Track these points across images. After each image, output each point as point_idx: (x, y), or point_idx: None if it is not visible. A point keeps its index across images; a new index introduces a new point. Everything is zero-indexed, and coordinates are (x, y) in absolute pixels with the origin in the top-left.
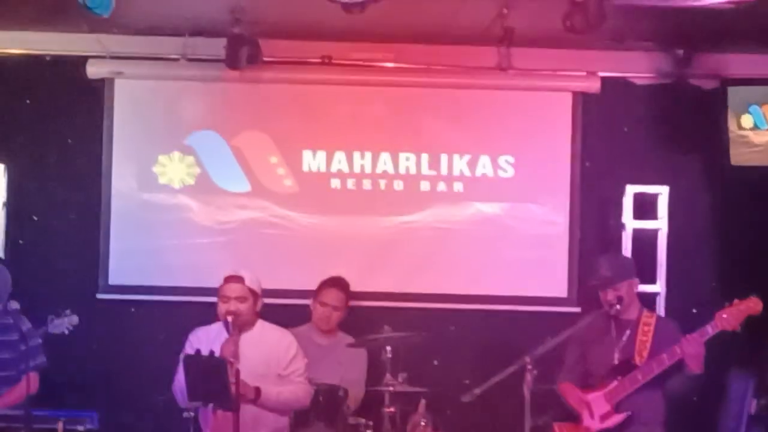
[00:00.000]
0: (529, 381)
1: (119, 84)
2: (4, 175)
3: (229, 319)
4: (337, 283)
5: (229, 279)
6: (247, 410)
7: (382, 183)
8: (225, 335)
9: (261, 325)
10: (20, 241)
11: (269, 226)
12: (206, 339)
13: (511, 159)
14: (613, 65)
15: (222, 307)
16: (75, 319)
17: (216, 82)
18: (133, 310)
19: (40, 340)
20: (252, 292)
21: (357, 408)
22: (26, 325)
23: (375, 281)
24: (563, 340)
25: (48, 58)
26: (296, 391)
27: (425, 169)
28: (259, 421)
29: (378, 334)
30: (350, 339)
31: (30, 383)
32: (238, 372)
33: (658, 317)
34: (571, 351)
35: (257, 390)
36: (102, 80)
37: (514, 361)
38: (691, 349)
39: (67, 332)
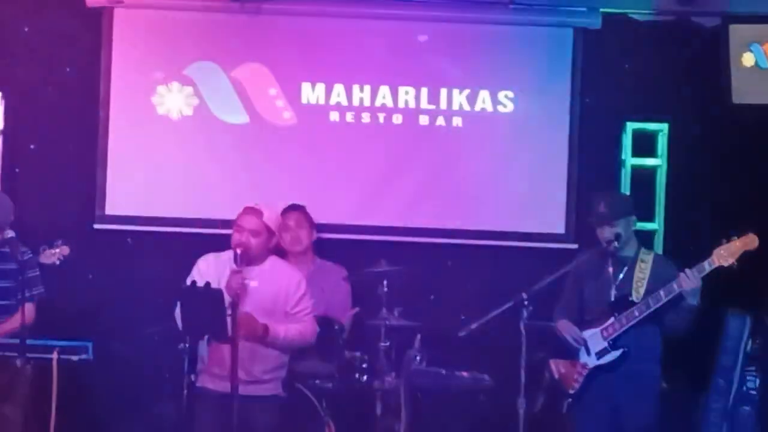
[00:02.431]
0: (526, 317)
1: (118, 13)
2: (1, 103)
3: (239, 250)
4: (293, 206)
5: (247, 210)
6: (246, 345)
7: (381, 116)
8: (233, 264)
9: (272, 261)
10: (16, 170)
11: (266, 159)
12: (215, 265)
13: (510, 94)
14: (614, 1)
15: (235, 237)
16: (66, 249)
17: (216, 12)
18: (129, 240)
19: (38, 271)
20: (267, 228)
21: (348, 334)
22: (26, 254)
23: (372, 215)
24: (560, 277)
25: None
26: (303, 329)
27: (424, 104)
28: (257, 356)
29: (374, 268)
30: (331, 265)
31: (26, 313)
32: (236, 305)
33: (656, 255)
34: (567, 287)
35: (265, 327)
36: (101, 9)
37: (511, 297)
38: (689, 284)
39: (57, 263)
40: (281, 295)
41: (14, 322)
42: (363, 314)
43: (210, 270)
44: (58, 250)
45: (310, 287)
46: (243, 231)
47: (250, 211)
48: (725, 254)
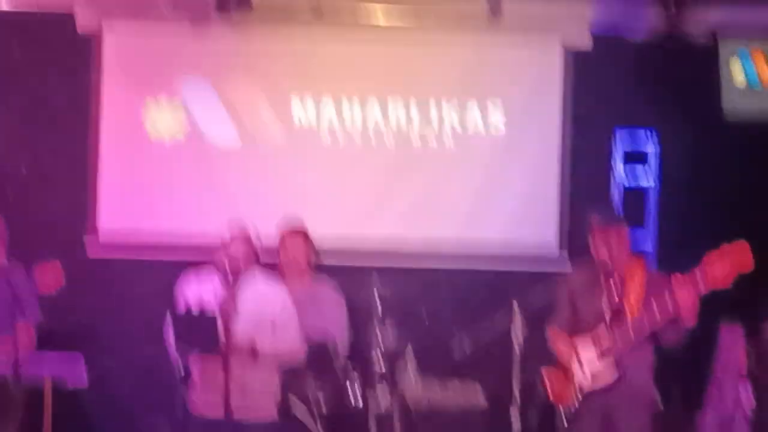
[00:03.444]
0: (519, 331)
1: (108, 32)
2: None
3: (229, 270)
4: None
5: (233, 232)
6: (238, 369)
7: (373, 136)
8: (217, 282)
9: (255, 275)
10: (8, 194)
11: (257, 178)
12: (197, 284)
13: (500, 108)
14: (605, 20)
15: (223, 259)
16: (61, 279)
17: (206, 30)
18: (123, 266)
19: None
20: (254, 249)
21: (346, 353)
22: (20, 276)
23: (365, 235)
24: (554, 293)
25: (37, 13)
26: (290, 344)
27: (415, 123)
28: (249, 380)
29: (368, 288)
30: (326, 280)
31: (25, 337)
32: (228, 327)
33: (648, 265)
34: (561, 304)
35: (253, 348)
36: (91, 33)
37: (504, 309)
38: (686, 300)
39: (54, 292)
40: (267, 310)
41: (11, 345)
42: (357, 334)
43: (194, 291)
44: (52, 271)
45: (305, 305)
46: (232, 258)
47: (236, 232)
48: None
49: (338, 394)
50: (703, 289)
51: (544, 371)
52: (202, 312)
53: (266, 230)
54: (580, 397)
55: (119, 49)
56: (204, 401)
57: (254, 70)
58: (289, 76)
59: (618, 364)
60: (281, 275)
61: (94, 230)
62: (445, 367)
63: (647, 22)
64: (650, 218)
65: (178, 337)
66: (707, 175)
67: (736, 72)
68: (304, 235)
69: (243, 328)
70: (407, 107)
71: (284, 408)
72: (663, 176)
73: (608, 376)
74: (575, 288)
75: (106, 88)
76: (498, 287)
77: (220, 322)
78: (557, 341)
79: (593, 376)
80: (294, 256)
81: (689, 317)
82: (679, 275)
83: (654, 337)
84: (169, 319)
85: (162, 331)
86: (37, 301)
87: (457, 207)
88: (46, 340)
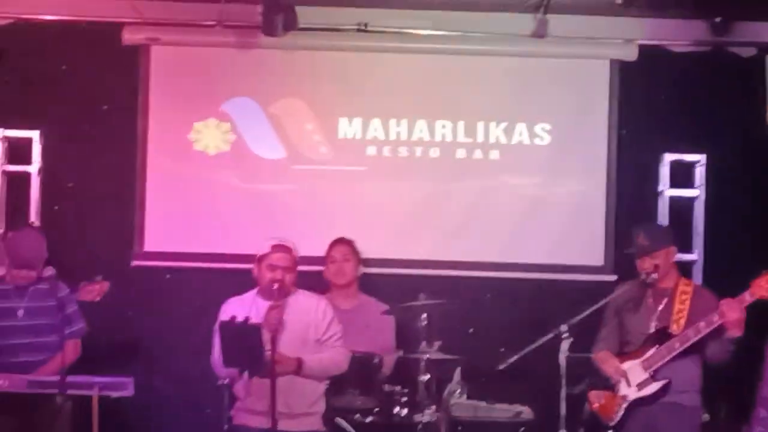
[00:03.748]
0: (565, 349)
1: (155, 50)
2: (39, 142)
3: (275, 286)
4: (341, 239)
5: (276, 248)
6: (283, 380)
7: (418, 150)
8: (259, 304)
9: (296, 292)
10: (55, 207)
11: (304, 194)
12: (240, 308)
13: (547, 126)
14: (651, 33)
15: (268, 275)
16: (106, 285)
17: (252, 48)
18: (168, 276)
19: (76, 306)
20: (295, 263)
21: (390, 373)
22: (63, 291)
23: (410, 248)
24: (600, 309)
25: (84, 25)
26: (335, 356)
27: (461, 137)
28: (295, 390)
29: (413, 302)
30: (374, 302)
31: (71, 350)
32: (275, 340)
33: (695, 286)
34: (607, 319)
35: (299, 361)
36: (138, 46)
37: (550, 329)
38: (733, 314)
39: (98, 299)
40: (312, 325)
41: (59, 361)
42: (402, 348)
43: (236, 313)
44: (98, 286)
45: (352, 322)
46: (276, 269)
47: (279, 248)
48: (766, 286)
49: (383, 407)
50: (749, 299)
51: (590, 392)
52: (248, 324)
53: (311, 244)
54: (625, 411)
55: (166, 68)
56: (249, 413)
57: (301, 91)
58: (335, 96)
59: (664, 378)
60: (328, 287)
61: (140, 240)
62: (491, 382)
63: (693, 36)
64: (697, 233)
65: (224, 348)
66: (755, 189)
67: None
68: (351, 245)
69: (288, 340)
70: (455, 126)
71: (329, 420)
72: (710, 191)
73: (654, 392)
74: (622, 306)
75: (153, 105)
76: (545, 302)
77: (265, 335)
78: (604, 363)
79: (640, 393)
80: (341, 267)
81: (736, 328)
82: (728, 300)
83: (700, 350)
84: (215, 330)
85: (208, 342)
86: (83, 312)
87: (503, 224)
88: (92, 352)
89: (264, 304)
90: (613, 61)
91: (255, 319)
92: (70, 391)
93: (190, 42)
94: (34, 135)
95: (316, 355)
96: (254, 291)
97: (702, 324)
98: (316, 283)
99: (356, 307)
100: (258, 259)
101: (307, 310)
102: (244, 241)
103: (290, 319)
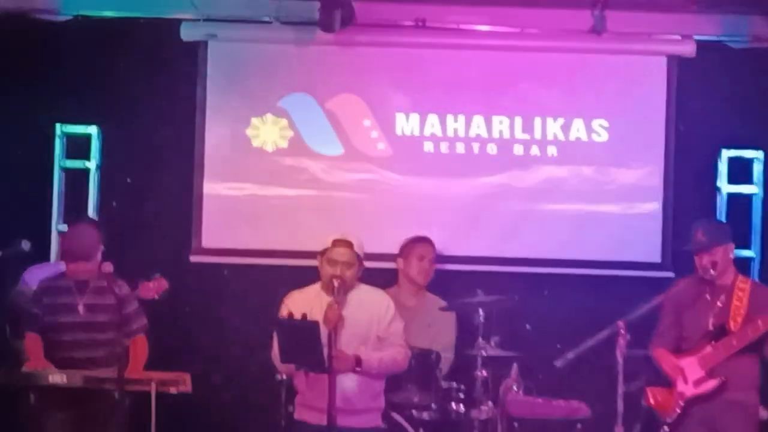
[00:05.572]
0: (622, 346)
1: (213, 46)
2: (98, 137)
3: (336, 283)
4: (425, 239)
5: (337, 243)
6: (343, 376)
7: (476, 146)
8: (322, 298)
9: (359, 287)
10: (113, 203)
11: (361, 190)
12: (303, 302)
13: (605, 123)
14: (708, 28)
15: (329, 270)
16: (165, 283)
17: (309, 45)
18: (225, 272)
19: (137, 303)
20: (358, 258)
21: (448, 371)
22: (123, 288)
23: (468, 245)
24: (657, 305)
25: (142, 21)
26: (395, 355)
27: (519, 133)
28: (355, 386)
29: (470, 298)
30: (438, 300)
31: (141, 347)
32: (334, 336)
33: (753, 282)
34: (665, 316)
35: (357, 358)
36: (196, 43)
37: (607, 325)
38: None
39: (157, 297)
40: (373, 321)
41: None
42: (460, 344)
43: (298, 307)
44: (156, 284)
45: (415, 319)
46: (337, 264)
47: (340, 243)
48: None
49: (441, 403)
50: None
51: (649, 389)
52: (305, 321)
53: (374, 242)
54: (682, 408)
55: (224, 64)
56: (308, 408)
57: (358, 86)
58: (392, 92)
59: (722, 375)
60: (396, 281)
61: (198, 236)
62: (548, 378)
63: (752, 31)
64: (755, 230)
65: (281, 344)
66: None
67: None
68: (434, 246)
69: (348, 336)
70: (512, 122)
71: (388, 416)
72: None
73: (711, 389)
74: (679, 302)
75: (210, 101)
76: (602, 299)
77: (324, 330)
78: (662, 361)
79: (697, 390)
80: (428, 268)
81: None
82: None
83: (758, 348)
84: (274, 326)
85: (266, 338)
86: (143, 308)
87: (560, 221)
88: (150, 347)
89: (327, 299)
90: (670, 57)
91: (318, 313)
92: (128, 388)
93: (248, 38)
94: (93, 131)
95: (377, 354)
96: (318, 285)
97: (760, 322)
98: (374, 280)
99: (420, 305)
100: (320, 254)
101: (369, 306)
102: (302, 237)
103: (351, 314)
